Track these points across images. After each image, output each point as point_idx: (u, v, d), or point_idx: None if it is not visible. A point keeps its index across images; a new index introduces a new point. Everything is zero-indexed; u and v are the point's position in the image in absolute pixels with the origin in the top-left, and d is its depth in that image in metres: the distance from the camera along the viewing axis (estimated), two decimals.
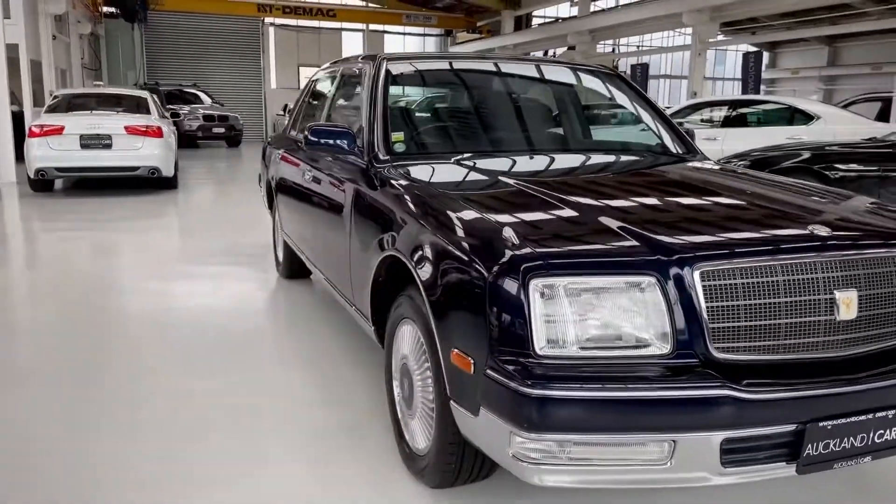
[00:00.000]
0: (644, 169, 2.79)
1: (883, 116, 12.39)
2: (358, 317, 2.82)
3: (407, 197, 2.36)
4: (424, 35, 26.54)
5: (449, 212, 2.08)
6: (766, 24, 26.85)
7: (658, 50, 23.90)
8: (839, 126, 8.72)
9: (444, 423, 2.00)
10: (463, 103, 3.37)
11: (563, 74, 3.53)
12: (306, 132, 2.93)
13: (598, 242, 1.79)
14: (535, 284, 1.66)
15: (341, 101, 3.68)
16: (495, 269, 1.72)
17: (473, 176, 2.57)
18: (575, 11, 26.61)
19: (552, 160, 2.88)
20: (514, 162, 2.77)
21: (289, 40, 24.48)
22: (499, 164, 2.72)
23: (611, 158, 3.01)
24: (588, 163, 2.88)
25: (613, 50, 25.77)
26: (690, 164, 2.92)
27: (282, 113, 21.55)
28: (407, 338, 2.30)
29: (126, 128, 8.70)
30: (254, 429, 2.63)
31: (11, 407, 2.81)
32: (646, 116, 3.37)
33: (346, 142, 2.90)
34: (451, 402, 1.90)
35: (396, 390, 2.45)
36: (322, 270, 3.37)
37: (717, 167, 2.85)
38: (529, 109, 3.39)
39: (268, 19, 23.62)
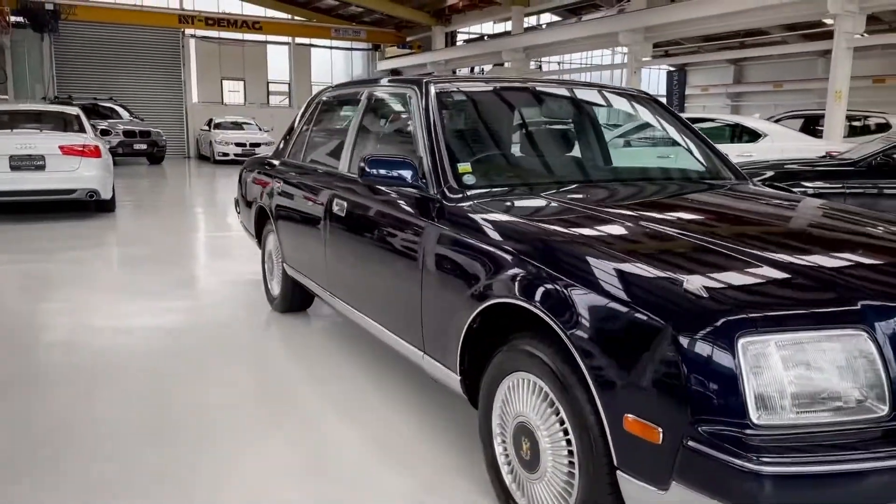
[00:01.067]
0: (750, 200, 2.66)
1: (805, 132, 13.07)
2: (431, 365, 2.57)
3: (518, 238, 2.14)
4: (352, 49, 26.20)
5: (594, 258, 1.88)
6: (680, 46, 28.17)
7: (589, 68, 24.54)
8: (786, 143, 9.09)
9: (594, 490, 1.80)
10: (525, 130, 3.19)
11: (614, 99, 3.41)
12: (362, 163, 2.67)
13: (796, 292, 1.65)
14: (745, 344, 1.50)
15: (375, 128, 3.42)
16: (693, 328, 1.54)
17: (580, 212, 2.36)
18: (499, 29, 27.02)
19: (647, 193, 2.72)
20: (608, 196, 2.61)
21: (211, 53, 23.59)
22: (592, 197, 2.55)
23: (703, 188, 2.88)
24: (692, 195, 2.73)
25: (540, 67, 26.23)
26: (769, 192, 2.85)
27: (206, 128, 20.74)
28: (523, 393, 2.08)
29: (61, 147, 8.01)
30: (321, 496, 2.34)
31: None
32: (693, 141, 3.29)
33: (408, 173, 2.66)
34: (620, 471, 1.70)
35: (500, 449, 2.22)
36: (366, 313, 3.09)
37: (798, 196, 2.79)
38: (595, 136, 3.25)
39: (188, 31, 22.69)
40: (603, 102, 3.40)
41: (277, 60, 24.92)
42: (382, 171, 2.66)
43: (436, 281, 2.46)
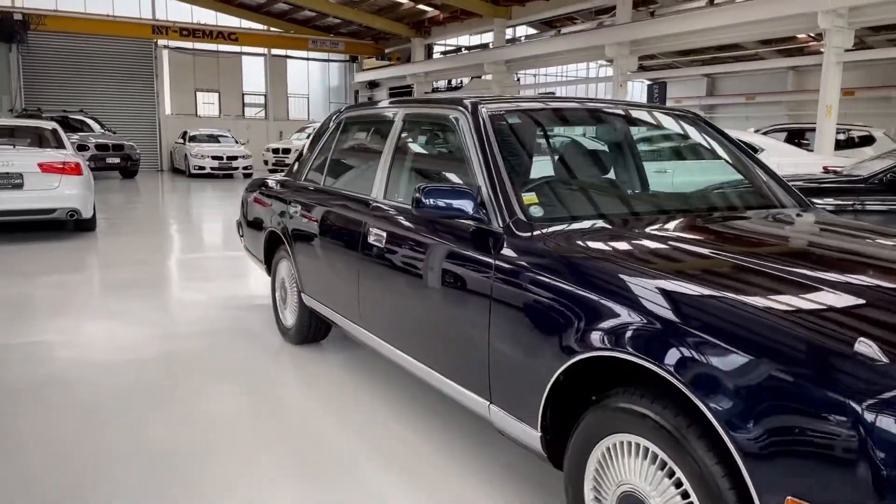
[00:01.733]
0: (853, 235, 2.45)
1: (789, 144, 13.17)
2: (501, 418, 2.32)
3: (623, 283, 1.89)
4: (329, 61, 25.91)
5: (737, 311, 1.64)
6: (656, 59, 28.46)
7: (574, 81, 24.58)
8: (781, 158, 9.05)
9: None
10: (586, 154, 2.97)
11: (665, 120, 3.20)
12: (418, 194, 2.42)
13: None
14: None
15: (412, 152, 3.18)
16: (877, 401, 1.33)
17: (685, 252, 2.11)
18: (475, 41, 26.97)
19: (747, 228, 2.51)
20: (705, 231, 2.39)
21: (185, 64, 23.12)
22: (688, 233, 2.33)
23: (790, 220, 2.68)
24: (794, 230, 2.52)
25: (518, 80, 26.20)
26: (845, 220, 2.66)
27: (181, 140, 20.26)
28: (628, 457, 1.85)
29: (40, 165, 7.61)
30: None
31: None
32: (752, 165, 3.11)
33: (468, 204, 2.42)
34: None
35: None
36: (411, 354, 2.83)
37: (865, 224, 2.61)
38: (657, 160, 3.05)
39: (161, 42, 22.20)
40: (657, 123, 3.20)
41: (253, 72, 24.53)
42: (441, 203, 2.42)
43: (508, 326, 2.22)
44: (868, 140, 13.17)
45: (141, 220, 10.24)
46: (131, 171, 18.34)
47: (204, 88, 23.65)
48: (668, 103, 34.86)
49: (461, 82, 25.75)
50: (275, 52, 24.41)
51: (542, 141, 2.98)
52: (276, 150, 20.31)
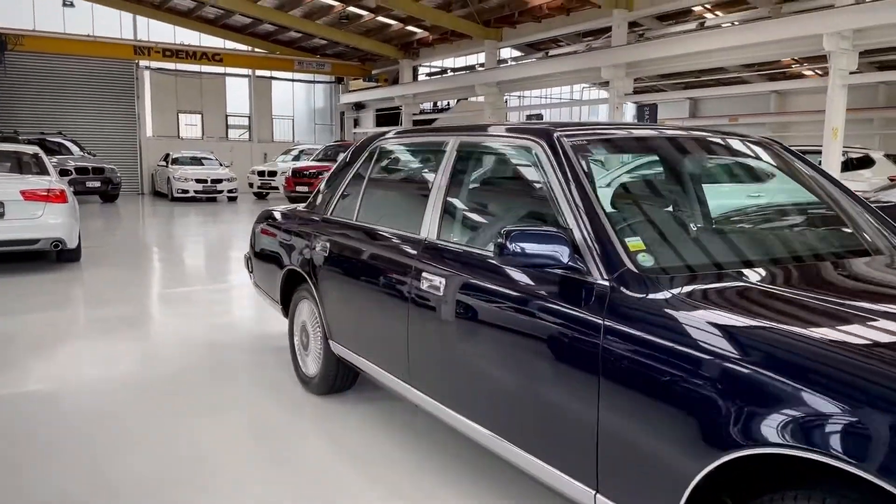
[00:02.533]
0: None
1: None
2: None
3: (807, 359, 1.51)
4: (314, 82, 25.56)
5: None
6: (640, 82, 28.55)
7: (567, 104, 24.48)
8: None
9: None
10: (685, 189, 2.61)
11: (754, 150, 2.86)
12: (502, 238, 2.05)
13: None
14: None
15: (477, 187, 2.81)
16: None
17: (867, 318, 1.72)
18: (460, 63, 26.82)
19: (859, 271, 2.17)
20: (851, 280, 2.04)
21: (167, 85, 22.62)
22: (849, 290, 1.98)
23: None
24: None
25: (506, 102, 26.05)
26: None
27: (163, 163, 19.72)
28: None
29: (23, 192, 7.11)
30: None
31: None
32: (853, 200, 2.78)
33: (563, 251, 2.05)
34: None
35: None
36: (480, 422, 2.43)
37: None
38: (763, 197, 2.70)
39: (143, 62, 21.71)
40: (747, 153, 2.85)
41: (237, 93, 24.09)
42: (529, 249, 2.04)
43: (627, 405, 1.83)
44: (866, 162, 13.02)
45: (126, 248, 9.72)
46: (112, 195, 17.76)
47: (186, 110, 23.15)
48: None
49: (448, 104, 25.57)
50: (259, 72, 24.01)
51: (641, 176, 2.63)
52: (261, 173, 19.84)
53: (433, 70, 26.43)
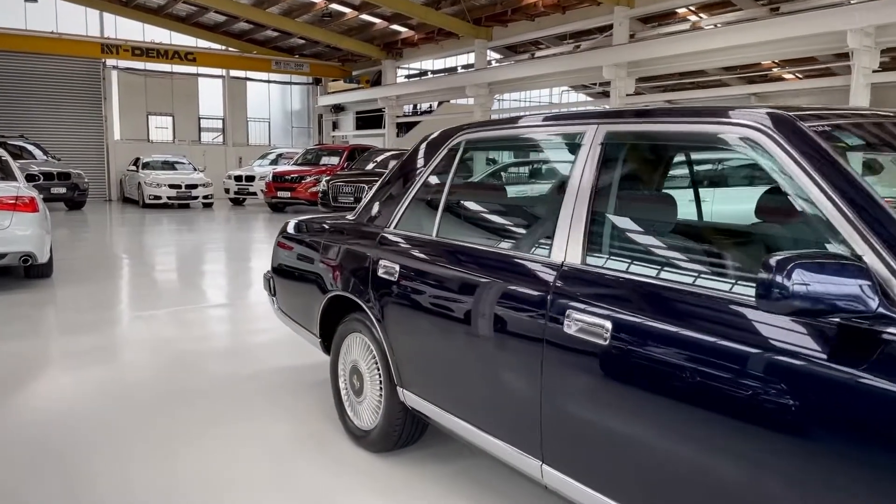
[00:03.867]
0: None
1: None
2: None
3: None
4: (291, 83, 24.62)
5: None
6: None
7: (544, 107, 23.95)
8: None
9: None
10: None
11: None
12: (776, 273, 1.33)
13: None
14: None
15: (643, 195, 2.08)
16: None
17: None
18: (440, 66, 26.12)
19: None
20: None
21: (136, 86, 21.49)
22: None
23: None
24: None
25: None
26: None
27: (133, 168, 18.64)
28: None
29: None
30: None
31: None
32: None
33: (869, 291, 1.34)
34: None
35: None
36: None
37: None
38: None
39: (110, 62, 20.57)
40: None
41: (210, 94, 23.03)
42: (820, 287, 1.33)
43: None
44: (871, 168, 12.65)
45: (100, 261, 8.78)
46: (79, 202, 16.67)
47: (157, 112, 22.03)
48: None
49: (431, 107, 24.84)
50: (234, 73, 23.00)
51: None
52: (238, 178, 18.86)
53: (411, 73, 25.69)
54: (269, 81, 24.03)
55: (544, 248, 2.18)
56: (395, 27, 19.29)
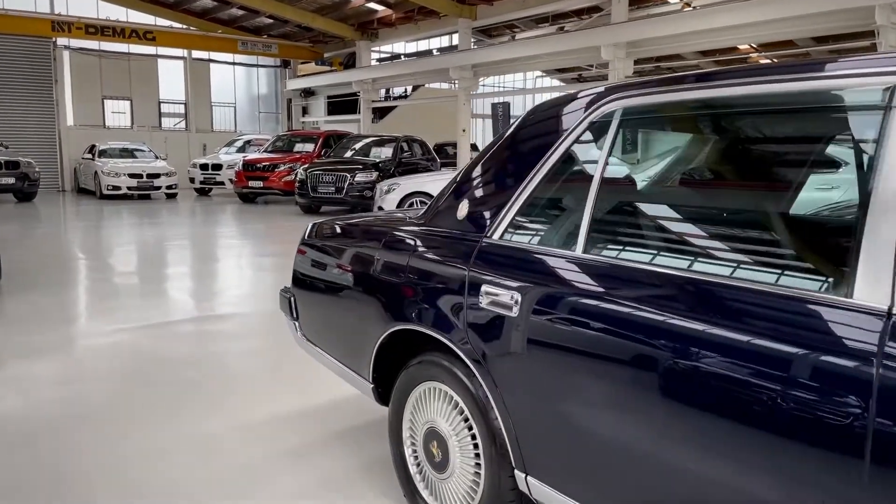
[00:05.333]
0: None
1: None
2: None
3: None
4: (257, 66, 23.30)
5: None
6: (589, 70, 27.63)
7: (521, 91, 23.15)
8: None
9: None
10: None
11: None
12: None
13: None
14: None
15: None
16: None
17: None
18: (411, 49, 25.06)
19: None
20: None
21: (90, 68, 19.98)
22: None
23: None
24: None
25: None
26: None
27: (89, 156, 17.26)
28: None
29: None
30: None
31: None
32: None
33: None
34: None
35: None
36: None
37: None
38: None
39: (61, 41, 19.03)
40: None
41: (171, 77, 21.62)
42: None
43: None
44: None
45: (55, 262, 7.64)
46: (29, 193, 15.33)
47: (113, 96, 20.56)
48: None
49: (406, 91, 23.81)
50: (196, 55, 21.60)
51: None
52: (204, 167, 17.61)
53: (383, 56, 24.57)
54: (234, 63, 22.69)
55: (822, 279, 1.30)
56: (372, 5, 18.19)
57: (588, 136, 1.88)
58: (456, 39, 23.96)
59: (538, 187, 1.95)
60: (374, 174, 12.54)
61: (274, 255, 8.31)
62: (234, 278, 6.96)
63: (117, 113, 20.84)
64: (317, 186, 12.74)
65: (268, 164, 15.18)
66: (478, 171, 2.19)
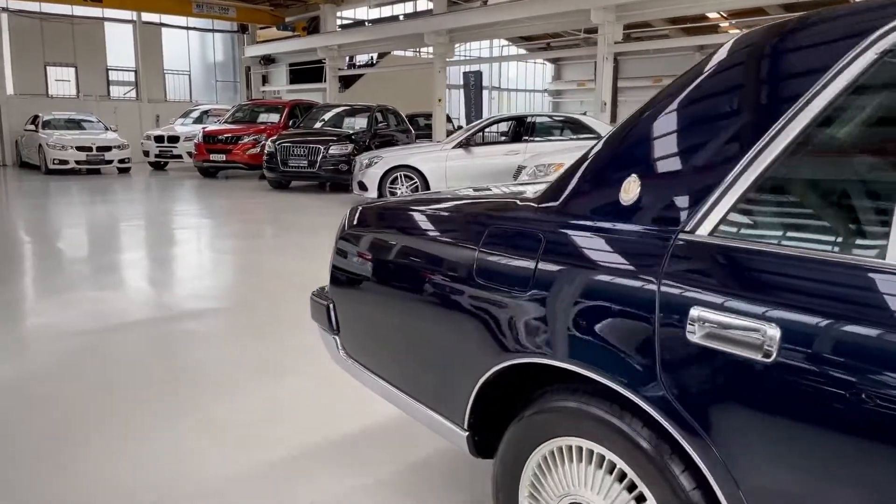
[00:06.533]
0: None
1: None
2: None
3: None
4: (213, 31, 21.90)
5: None
6: (561, 38, 26.96)
7: (487, 60, 22.33)
8: None
9: None
10: None
11: None
12: None
13: None
14: None
15: None
16: None
17: None
18: (374, 15, 23.94)
19: None
20: None
21: (30, 32, 18.40)
22: None
23: None
24: None
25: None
26: None
27: (32, 127, 15.88)
28: None
29: None
30: None
31: None
32: None
33: None
34: None
35: None
36: None
37: None
38: None
39: None
40: None
41: (119, 43, 20.12)
42: None
43: None
44: None
45: (7, 252, 6.65)
46: None
47: (57, 62, 19.01)
48: (567, 86, 33.79)
49: (372, 60, 22.75)
50: (146, 17, 20.13)
51: None
52: (159, 139, 16.40)
53: (345, 22, 23.40)
54: (188, 28, 21.25)
55: None
56: None
57: (878, 73, 1.17)
58: (422, 6, 22.96)
59: (783, 155, 1.23)
60: (350, 146, 11.65)
61: (242, 235, 7.45)
62: (204, 263, 6.11)
63: (61, 81, 19.31)
64: (287, 160, 11.79)
65: (231, 135, 14.11)
66: (658, 127, 1.45)
